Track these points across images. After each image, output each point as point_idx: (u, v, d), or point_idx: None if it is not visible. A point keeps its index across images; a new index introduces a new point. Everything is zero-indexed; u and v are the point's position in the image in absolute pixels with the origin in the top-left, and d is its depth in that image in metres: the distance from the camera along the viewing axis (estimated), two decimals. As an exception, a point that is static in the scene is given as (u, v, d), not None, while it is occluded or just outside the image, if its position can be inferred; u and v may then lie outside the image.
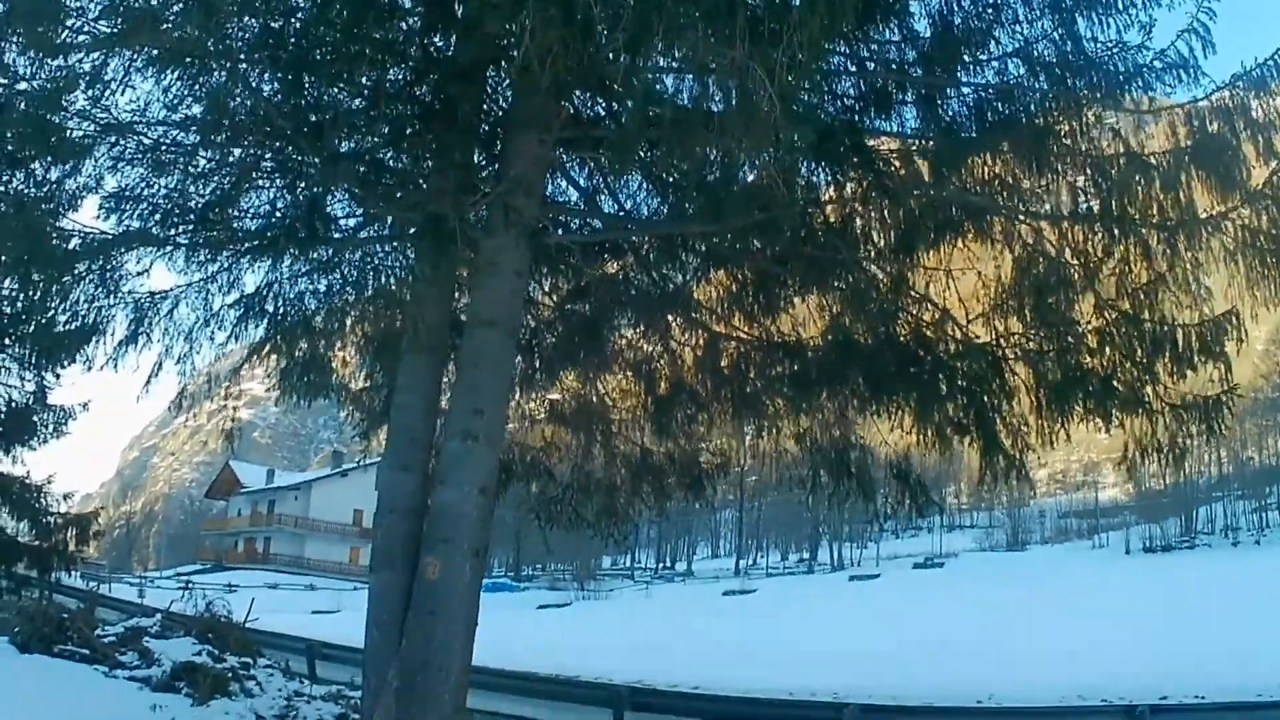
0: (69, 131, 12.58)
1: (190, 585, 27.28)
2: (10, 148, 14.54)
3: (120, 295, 13.98)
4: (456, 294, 13.10)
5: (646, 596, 75.15)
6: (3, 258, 14.07)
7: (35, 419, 29.23)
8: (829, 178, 12.61)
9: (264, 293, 14.46)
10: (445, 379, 12.89)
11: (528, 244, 11.83)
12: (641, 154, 12.71)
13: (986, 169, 12.21)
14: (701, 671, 24.67)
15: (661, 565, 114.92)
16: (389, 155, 12.85)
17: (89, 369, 14.44)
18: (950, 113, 12.21)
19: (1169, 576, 50.67)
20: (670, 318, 15.37)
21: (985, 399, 12.80)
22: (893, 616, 44.04)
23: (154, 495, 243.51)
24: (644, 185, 14.47)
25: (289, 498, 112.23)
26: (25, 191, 14.58)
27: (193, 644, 19.46)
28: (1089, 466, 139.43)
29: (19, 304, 27.28)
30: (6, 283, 24.91)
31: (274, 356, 15.12)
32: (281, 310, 14.54)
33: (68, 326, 14.60)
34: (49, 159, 13.34)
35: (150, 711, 15.97)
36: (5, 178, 15.60)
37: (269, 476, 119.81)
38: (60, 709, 14.81)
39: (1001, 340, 12.82)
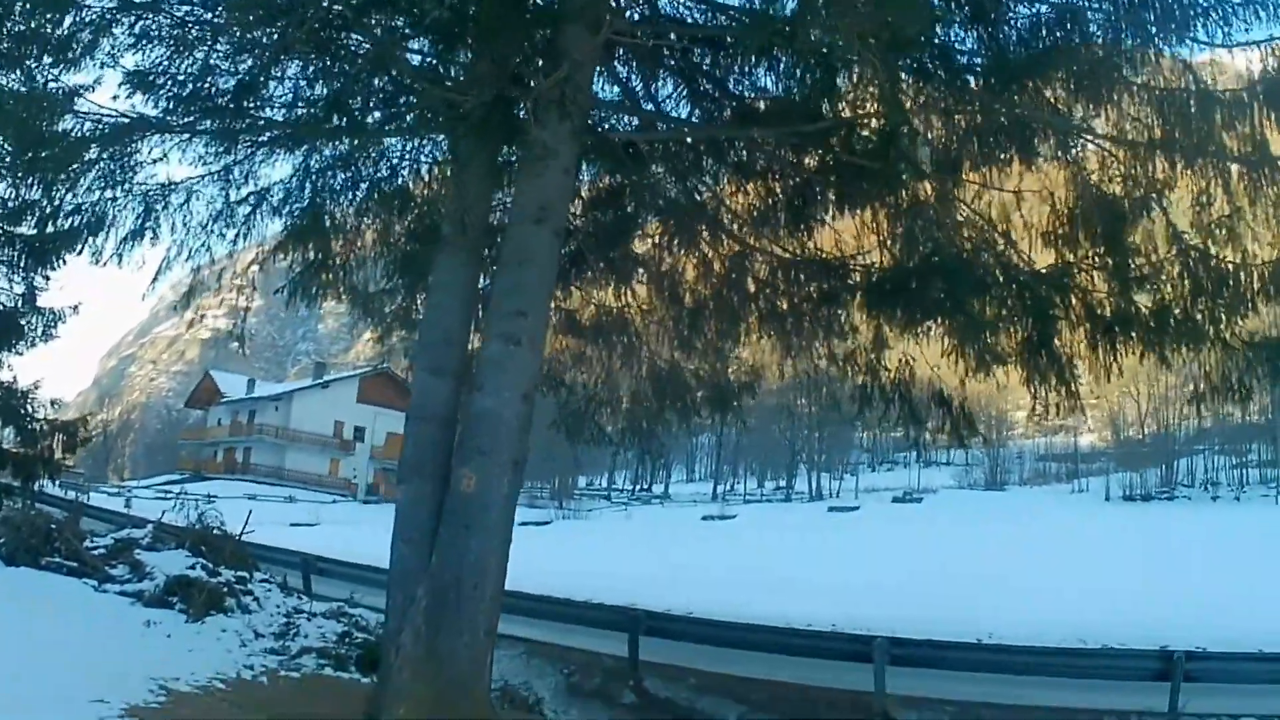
0: (87, 9, 11.99)
1: (182, 495, 26.64)
2: (21, 27, 13.93)
3: (130, 186, 13.44)
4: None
5: (626, 518, 74.57)
6: (5, 145, 13.53)
7: (23, 322, 28.53)
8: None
9: (286, 187, 13.95)
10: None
11: (576, 140, 11.33)
12: (681, 56, 12.33)
13: (1040, 95, 11.71)
14: (695, 596, 24.19)
15: (639, 487, 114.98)
16: (436, 42, 12.29)
17: (97, 262, 13.79)
18: (1006, 34, 11.75)
19: (1151, 525, 50.60)
20: (699, 229, 14.87)
21: (1046, 326, 12.33)
22: (877, 549, 43.89)
23: (131, 404, 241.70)
24: (679, 90, 14.06)
25: (270, 408, 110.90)
26: (36, 74, 14.01)
27: (186, 557, 19.03)
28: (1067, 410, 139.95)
29: (12, 202, 26.66)
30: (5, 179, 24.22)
31: (287, 255, 14.57)
32: (299, 207, 13.98)
33: (69, 221, 14.11)
34: (63, 38, 12.69)
35: (144, 628, 15.54)
36: (15, 58, 14.99)
37: (249, 386, 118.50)
38: (49, 625, 14.36)
39: (1067, 266, 12.35)
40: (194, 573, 17.90)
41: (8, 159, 14.49)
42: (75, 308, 29.30)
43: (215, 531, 21.25)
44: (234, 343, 16.16)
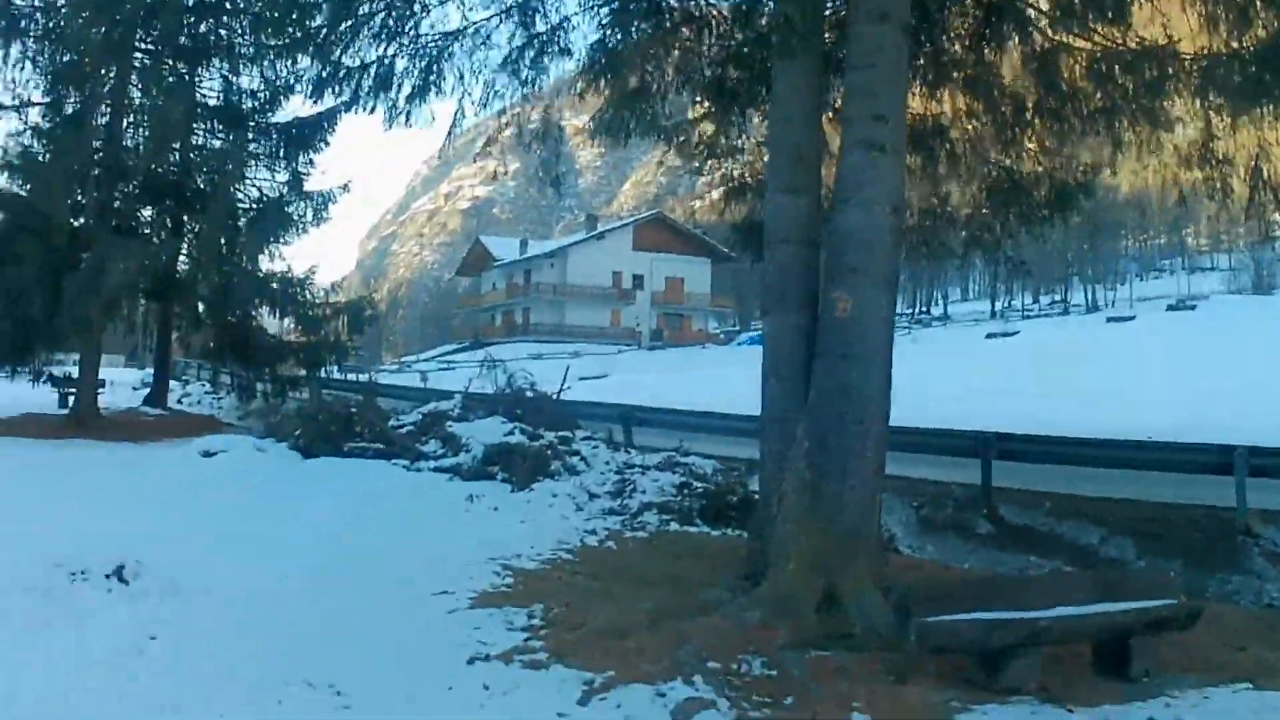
0: None
1: (488, 360, 25.82)
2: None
3: (410, 37, 12.81)
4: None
5: (912, 341, 72.76)
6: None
7: (289, 209, 28.49)
8: None
9: (577, 23, 13.14)
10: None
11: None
12: None
13: None
14: (1012, 415, 22.97)
15: (918, 310, 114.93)
16: None
17: (391, 117, 13.10)
18: None
19: None
20: (1007, 26, 13.50)
21: None
22: (1169, 356, 42.25)
23: (397, 281, 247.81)
24: None
25: (545, 266, 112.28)
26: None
27: (501, 423, 18.69)
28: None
29: (261, 93, 26.35)
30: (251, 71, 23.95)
31: (584, 95, 13.65)
32: (595, 41, 13.02)
33: (346, 86, 13.37)
34: None
35: (467, 504, 15.22)
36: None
37: (522, 247, 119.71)
38: (366, 512, 14.20)
39: None
40: (513, 439, 17.56)
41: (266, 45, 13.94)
42: (345, 186, 29.36)
43: (528, 393, 20.78)
44: (549, 185, 15.11)
